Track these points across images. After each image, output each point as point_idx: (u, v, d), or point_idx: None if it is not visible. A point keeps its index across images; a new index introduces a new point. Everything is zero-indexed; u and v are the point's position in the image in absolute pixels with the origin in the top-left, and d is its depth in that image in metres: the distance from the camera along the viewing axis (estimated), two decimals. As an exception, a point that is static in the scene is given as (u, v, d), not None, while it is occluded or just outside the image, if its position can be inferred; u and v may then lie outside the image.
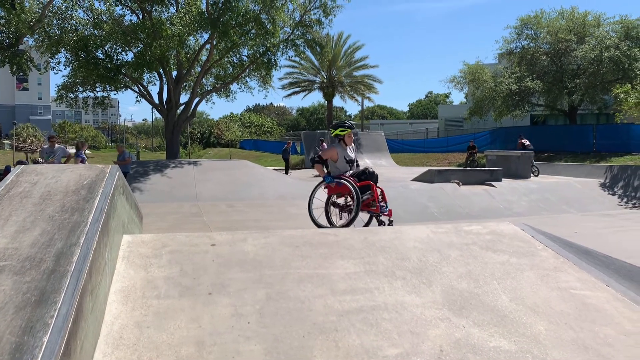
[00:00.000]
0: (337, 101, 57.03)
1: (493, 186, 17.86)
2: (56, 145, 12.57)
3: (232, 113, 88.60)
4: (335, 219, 6.93)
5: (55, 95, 22.99)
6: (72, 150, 13.63)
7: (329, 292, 3.45)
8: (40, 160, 11.41)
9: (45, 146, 12.57)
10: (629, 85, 20.11)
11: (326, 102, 39.15)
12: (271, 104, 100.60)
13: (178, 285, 3.41)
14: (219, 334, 2.91)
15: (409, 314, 3.25)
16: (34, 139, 61.53)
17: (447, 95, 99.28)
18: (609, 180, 19.32)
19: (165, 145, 22.63)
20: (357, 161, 7.12)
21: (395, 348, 2.90)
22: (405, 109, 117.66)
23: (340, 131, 6.96)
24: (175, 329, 2.93)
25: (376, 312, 3.24)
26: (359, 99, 39.35)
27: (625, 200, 17.91)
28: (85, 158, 13.76)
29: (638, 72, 20.55)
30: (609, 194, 18.60)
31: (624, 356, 2.95)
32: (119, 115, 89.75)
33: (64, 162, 12.92)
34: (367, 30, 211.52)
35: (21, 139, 59.86)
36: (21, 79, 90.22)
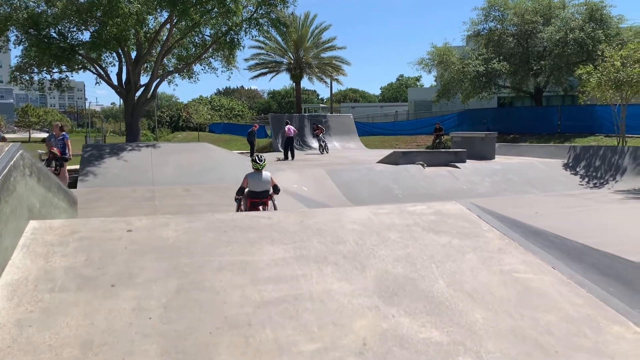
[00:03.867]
0: (305, 83, 56.64)
1: (457, 167, 17.78)
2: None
3: (201, 96, 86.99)
4: None
5: (9, 77, 21.97)
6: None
7: (249, 282, 3.12)
8: None
9: None
10: (592, 66, 20.16)
11: (294, 84, 38.58)
12: (242, 87, 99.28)
13: (78, 277, 3.04)
14: (112, 332, 2.55)
15: (334, 304, 2.95)
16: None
17: (417, 79, 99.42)
18: (572, 161, 19.43)
19: (125, 128, 21.89)
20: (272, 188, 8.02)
21: (313, 343, 2.60)
22: (378, 92, 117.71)
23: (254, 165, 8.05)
24: (62, 327, 2.56)
25: (298, 303, 2.93)
26: (328, 81, 38.95)
27: (587, 180, 18.03)
28: (67, 137, 13.13)
29: (600, 54, 20.59)
30: (572, 174, 18.70)
31: (564, 346, 2.72)
32: (85, 99, 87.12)
33: None
34: (338, 12, 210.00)
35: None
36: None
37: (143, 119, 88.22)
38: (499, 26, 31.80)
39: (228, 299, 2.92)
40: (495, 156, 20.66)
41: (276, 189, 8.08)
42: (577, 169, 18.93)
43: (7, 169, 3.26)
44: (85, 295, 2.86)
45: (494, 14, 31.81)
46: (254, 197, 7.88)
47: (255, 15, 20.81)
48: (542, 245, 4.03)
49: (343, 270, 3.34)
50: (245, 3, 20.55)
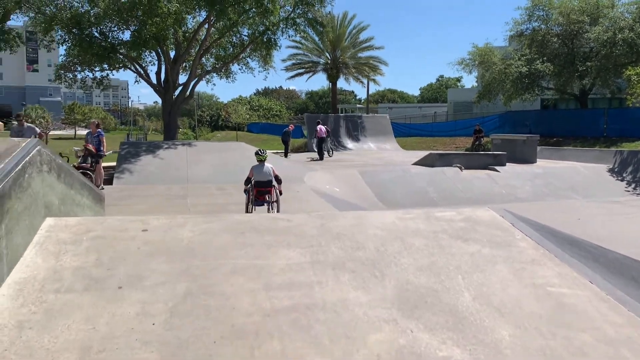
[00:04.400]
0: (342, 84, 56.33)
1: (496, 171, 17.24)
2: (25, 124, 12.17)
3: (240, 96, 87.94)
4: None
5: (54, 75, 22.58)
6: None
7: (261, 287, 2.97)
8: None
9: (14, 126, 12.14)
10: (642, 67, 19.25)
11: (330, 84, 38.32)
12: (280, 87, 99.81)
13: (86, 277, 2.96)
14: (113, 338, 2.45)
15: (349, 315, 2.77)
16: (42, 120, 61.41)
17: (458, 79, 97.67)
18: (618, 166, 18.57)
19: (163, 126, 22.18)
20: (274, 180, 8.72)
21: (322, 357, 2.43)
22: (417, 92, 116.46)
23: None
24: (62, 330, 2.47)
25: (311, 312, 2.76)
26: (364, 81, 38.56)
27: (633, 186, 17.18)
28: (103, 134, 13.30)
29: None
30: (617, 179, 17.87)
31: (600, 370, 2.46)
32: (129, 97, 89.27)
33: None
34: (377, 13, 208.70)
35: (29, 120, 59.87)
36: (31, 60, 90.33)
37: (184, 117, 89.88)
38: (543, 26, 30.80)
39: (237, 305, 2.78)
40: (537, 160, 19.97)
41: (278, 180, 8.71)
42: (624, 175, 18.08)
43: (20, 165, 3.21)
44: (91, 297, 2.77)
45: (538, 14, 30.83)
46: (259, 187, 8.61)
47: (292, 15, 20.74)
48: (579, 256, 3.74)
49: (361, 278, 3.15)
50: (283, 3, 20.49)
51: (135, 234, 3.56)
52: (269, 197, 8.66)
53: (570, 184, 16.84)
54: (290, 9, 20.76)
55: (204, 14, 20.11)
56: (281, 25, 20.62)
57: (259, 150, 9.03)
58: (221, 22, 20.28)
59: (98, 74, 21.78)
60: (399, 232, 3.83)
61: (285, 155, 23.22)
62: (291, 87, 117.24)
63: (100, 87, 22.45)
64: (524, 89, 30.33)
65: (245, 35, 22.35)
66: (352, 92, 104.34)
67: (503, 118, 35.80)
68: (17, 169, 3.14)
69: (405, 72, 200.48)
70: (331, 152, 23.54)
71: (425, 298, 2.98)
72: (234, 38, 22.81)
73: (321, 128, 21.93)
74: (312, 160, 21.29)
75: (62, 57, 20.97)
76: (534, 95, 31.65)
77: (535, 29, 31.07)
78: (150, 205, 9.98)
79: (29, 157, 3.39)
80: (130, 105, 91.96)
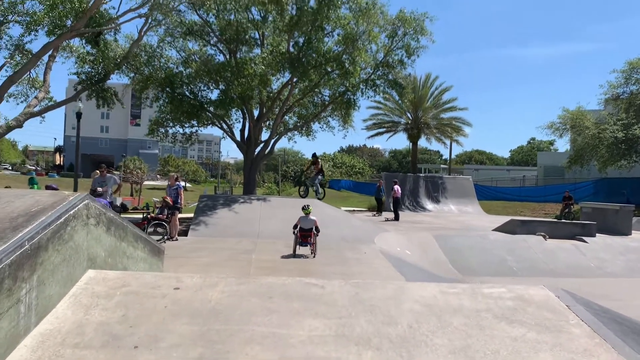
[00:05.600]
0: (424, 143, 56.03)
1: (584, 241, 16.07)
2: (107, 174, 12.97)
3: (324, 153, 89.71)
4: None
5: (148, 129, 24.26)
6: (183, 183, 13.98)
7: (276, 359, 2.84)
8: (99, 189, 11.76)
9: (97, 176, 12.99)
10: None
11: (411, 143, 38.19)
12: (364, 145, 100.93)
13: (107, 334, 2.98)
14: (111, 401, 2.41)
15: (361, 398, 2.56)
16: (139, 171, 65.72)
17: (551, 143, 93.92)
18: None
19: (244, 181, 22.93)
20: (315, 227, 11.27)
21: None
22: (507, 155, 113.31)
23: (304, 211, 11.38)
24: (66, 388, 2.47)
25: (320, 391, 2.59)
26: (447, 141, 38.07)
27: None
28: (181, 187, 14.00)
29: None
30: None
31: None
32: (219, 152, 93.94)
33: (115, 190, 13.30)
34: (466, 73, 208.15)
35: (127, 171, 64.29)
36: (134, 115, 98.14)
37: (270, 172, 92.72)
38: (641, 89, 29.22)
39: (245, 377, 2.66)
40: (632, 232, 18.45)
41: (317, 229, 11.28)
42: None
43: (62, 219, 3.36)
44: (105, 354, 2.77)
45: (636, 77, 29.32)
46: (303, 232, 11.15)
47: (372, 76, 21.12)
48: (647, 350, 3.28)
49: (385, 357, 2.94)
50: (365, 65, 20.95)
51: (166, 292, 3.58)
52: (310, 240, 11.15)
53: (670, 260, 15.31)
54: (371, 71, 21.17)
55: (287, 74, 20.94)
56: (361, 87, 21.01)
57: (305, 205, 11.61)
58: (304, 83, 21.02)
59: (187, 130, 23.04)
60: (438, 308, 3.57)
61: (379, 212, 23.24)
62: (375, 146, 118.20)
63: (188, 143, 23.73)
64: (620, 155, 28.57)
65: (326, 96, 22.95)
66: (438, 152, 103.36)
67: (597, 185, 33.79)
68: (57, 222, 3.28)
69: (495, 134, 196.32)
70: (319, 194, 19.65)
71: (452, 386, 2.71)
72: (316, 98, 23.49)
73: (397, 188, 21.71)
74: (387, 220, 20.99)
75: (155, 113, 22.47)
76: (631, 162, 29.66)
77: (633, 93, 29.52)
78: (216, 259, 10.17)
79: (73, 210, 3.55)
80: (221, 158, 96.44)
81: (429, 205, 28.27)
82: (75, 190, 18.58)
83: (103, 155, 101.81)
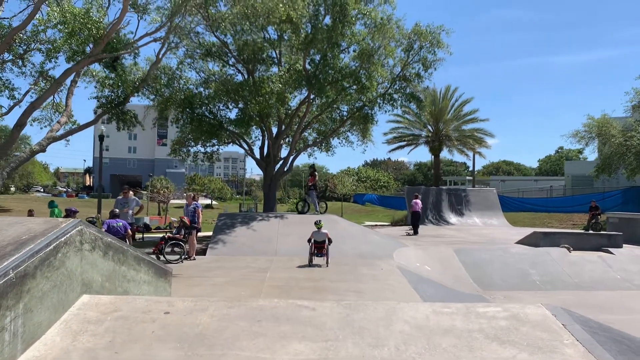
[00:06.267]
0: (447, 156, 55.58)
1: (611, 253, 15.63)
2: (130, 196, 13.15)
3: (349, 167, 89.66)
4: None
5: (170, 149, 24.65)
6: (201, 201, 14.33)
7: (255, 384, 2.83)
8: (116, 210, 11.96)
9: (120, 197, 13.19)
10: None
11: (433, 156, 37.87)
12: (389, 158, 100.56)
13: (91, 360, 3.01)
14: None
15: None
16: (166, 190, 66.63)
17: (580, 151, 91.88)
18: None
19: (264, 198, 23.06)
20: (327, 239, 12.46)
21: None
22: (535, 165, 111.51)
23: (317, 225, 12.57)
24: (41, 417, 2.50)
25: (295, 419, 2.56)
26: (469, 153, 37.59)
27: None
28: (199, 207, 14.12)
29: None
30: None
31: None
32: (244, 169, 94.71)
33: (137, 212, 13.48)
34: (492, 84, 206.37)
35: (155, 190, 65.32)
36: (161, 135, 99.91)
37: (295, 188, 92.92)
38: (669, 95, 28.49)
39: (222, 404, 2.65)
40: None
41: (329, 241, 12.44)
42: None
43: (52, 246, 3.42)
44: (86, 382, 2.80)
45: (663, 82, 28.62)
46: (317, 244, 12.40)
47: (389, 90, 21.12)
48: (646, 372, 3.16)
49: (367, 381, 2.89)
50: (382, 80, 20.96)
51: (156, 316, 3.60)
52: (323, 251, 12.37)
53: (702, 271, 14.76)
54: (388, 85, 21.17)
55: (304, 92, 21.07)
56: (378, 101, 21.02)
57: (317, 220, 12.89)
58: (321, 99, 21.12)
59: (209, 149, 23.30)
60: (429, 329, 3.51)
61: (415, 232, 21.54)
62: (400, 159, 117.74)
63: (210, 161, 24.00)
64: (649, 162, 27.83)
65: (344, 111, 23.01)
66: (464, 163, 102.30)
67: (627, 194, 32.91)
68: (47, 250, 3.35)
69: (523, 144, 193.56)
70: (315, 208, 19.18)
71: (432, 412, 2.65)
72: (334, 114, 23.56)
73: (417, 202, 21.53)
74: (407, 234, 20.79)
75: (177, 133, 22.84)
76: (660, 169, 28.85)
77: (659, 99, 28.80)
78: (230, 279, 10.20)
79: (65, 237, 3.62)
80: (245, 176, 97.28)
81: (452, 218, 27.91)
82: (99, 211, 18.94)
83: (131, 176, 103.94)
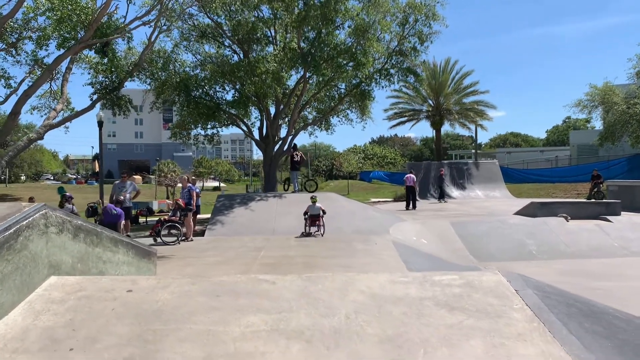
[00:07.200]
0: (448, 129, 55.46)
1: (609, 221, 15.63)
2: (127, 181, 13.29)
3: (355, 145, 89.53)
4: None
5: (171, 133, 24.74)
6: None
7: (203, 356, 2.93)
8: (121, 197, 12.14)
9: (117, 182, 13.35)
10: None
11: (434, 131, 37.71)
12: (395, 135, 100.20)
13: (48, 338, 3.12)
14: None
15: (274, 391, 2.62)
16: (173, 174, 66.96)
17: (587, 120, 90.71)
18: None
19: (264, 178, 23.14)
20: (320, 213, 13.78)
21: None
22: (543, 136, 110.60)
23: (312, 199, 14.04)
24: (-8, 391, 2.62)
25: (236, 386, 2.66)
26: (472, 127, 37.39)
27: None
28: (193, 189, 14.21)
29: None
30: None
31: None
32: (250, 150, 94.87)
33: (134, 197, 13.65)
34: (498, 56, 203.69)
35: (162, 175, 65.72)
36: (167, 119, 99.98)
37: (303, 168, 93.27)
38: (673, 60, 28.07)
39: (167, 374, 2.76)
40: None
41: (323, 212, 13.77)
42: None
43: (12, 229, 3.52)
44: (40, 358, 2.91)
45: (667, 46, 28.16)
46: (312, 218, 13.71)
47: (386, 66, 20.97)
48: (591, 332, 3.23)
49: (312, 349, 2.98)
50: (379, 56, 20.80)
51: (119, 295, 3.71)
52: (318, 223, 13.65)
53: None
54: (384, 60, 21.01)
55: (301, 70, 20.99)
56: (375, 77, 20.88)
57: (312, 196, 14.37)
58: (317, 78, 21.02)
59: (209, 131, 23.34)
60: (382, 297, 3.59)
61: (441, 198, 24.17)
62: (407, 135, 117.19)
63: (211, 144, 24.08)
64: (652, 129, 27.57)
65: (342, 89, 22.91)
66: (471, 137, 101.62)
67: (632, 162, 32.70)
68: (5, 233, 3.45)
69: (531, 116, 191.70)
70: (297, 188, 19.07)
71: (371, 376, 2.74)
72: (333, 91, 23.46)
73: (408, 177, 21.63)
74: (408, 209, 20.87)
75: (177, 116, 22.91)
76: (664, 136, 28.58)
77: (663, 64, 28.38)
78: (223, 258, 10.35)
79: (27, 221, 3.72)
80: (252, 157, 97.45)
81: (454, 192, 27.94)
82: (100, 196, 19.14)
83: (139, 160, 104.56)
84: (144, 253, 6.24)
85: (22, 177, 76.97)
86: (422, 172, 29.19)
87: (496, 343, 3.01)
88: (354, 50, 19.36)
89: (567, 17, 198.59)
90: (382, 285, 3.79)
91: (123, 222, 11.91)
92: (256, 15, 20.59)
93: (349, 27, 20.25)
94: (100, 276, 4.39)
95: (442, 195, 25.94)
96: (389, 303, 3.51)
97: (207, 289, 3.79)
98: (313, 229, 13.82)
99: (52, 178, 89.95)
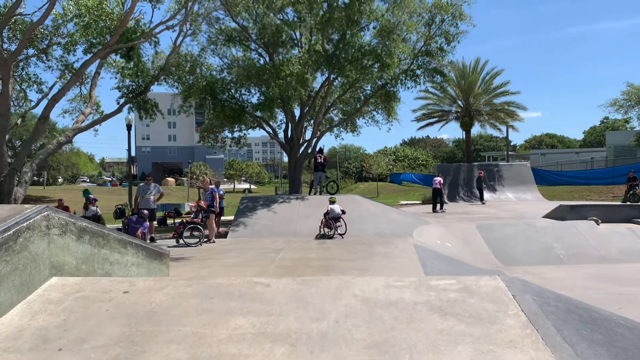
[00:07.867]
0: (479, 130, 54.46)
1: (642, 224, 15.10)
2: (152, 183, 13.51)
3: (386, 147, 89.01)
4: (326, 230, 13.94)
5: (199, 136, 25.09)
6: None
7: (187, 358, 2.93)
8: (144, 212, 12.40)
9: (142, 184, 13.60)
10: None
11: (464, 132, 37.12)
12: (427, 136, 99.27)
13: (40, 338, 3.18)
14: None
15: (251, 395, 2.61)
16: (204, 176, 67.87)
17: (627, 120, 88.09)
18: None
19: (289, 181, 23.23)
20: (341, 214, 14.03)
21: None
22: (580, 137, 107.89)
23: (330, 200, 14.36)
24: (-23, 389, 2.67)
25: (213, 389, 2.65)
26: (502, 128, 36.60)
27: None
28: (216, 191, 14.36)
29: None
30: None
31: None
32: (280, 153, 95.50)
33: (158, 199, 13.86)
34: (534, 57, 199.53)
35: (194, 177, 66.76)
36: (199, 122, 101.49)
37: (332, 170, 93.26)
38: None
39: (148, 376, 2.77)
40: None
41: (343, 212, 14.00)
42: None
43: (11, 231, 3.60)
44: (30, 357, 2.96)
45: None
46: (331, 219, 13.78)
47: (412, 66, 20.77)
48: (588, 340, 3.10)
49: (296, 353, 2.96)
50: (405, 57, 20.65)
51: (115, 296, 3.75)
52: (338, 224, 13.80)
53: None
54: (410, 61, 20.83)
55: (326, 72, 21.00)
56: (401, 78, 20.71)
57: (331, 197, 14.94)
58: (342, 79, 21.00)
59: (236, 134, 23.57)
60: (375, 302, 3.53)
61: (481, 200, 24.94)
62: (440, 136, 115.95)
63: (238, 146, 24.29)
64: (691, 128, 26.51)
65: (368, 90, 22.81)
66: (505, 138, 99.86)
67: (671, 163, 31.52)
68: (4, 235, 3.53)
69: (569, 117, 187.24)
70: (320, 191, 19.64)
71: (350, 382, 2.69)
72: (359, 93, 23.38)
73: (435, 180, 21.41)
74: (435, 212, 20.62)
75: (205, 120, 23.24)
76: None
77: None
78: (241, 260, 10.41)
79: (27, 222, 3.80)
80: (283, 159, 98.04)
81: (484, 194, 27.46)
82: (129, 199, 19.54)
83: (172, 163, 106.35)
84: (156, 254, 6.31)
85: (59, 180, 79.24)
86: (452, 174, 28.78)
87: (485, 349, 2.92)
88: (379, 51, 19.25)
89: (606, 15, 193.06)
90: (377, 289, 3.73)
91: (142, 230, 12.11)
92: (281, 18, 20.71)
93: (374, 28, 20.18)
94: (100, 277, 4.45)
95: (482, 197, 25.69)
96: (381, 307, 3.45)
97: (202, 291, 3.80)
98: (327, 230, 13.83)
99: (88, 180, 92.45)
